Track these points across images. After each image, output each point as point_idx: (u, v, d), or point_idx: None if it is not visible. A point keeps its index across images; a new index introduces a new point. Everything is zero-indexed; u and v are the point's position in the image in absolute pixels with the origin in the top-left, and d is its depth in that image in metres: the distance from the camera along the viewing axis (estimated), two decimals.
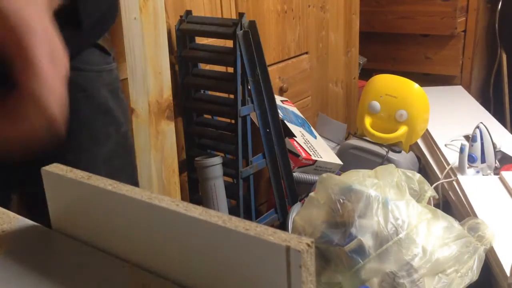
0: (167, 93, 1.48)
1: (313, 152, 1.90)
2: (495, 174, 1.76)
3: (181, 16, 1.65)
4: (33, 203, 0.76)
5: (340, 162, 1.98)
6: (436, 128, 2.12)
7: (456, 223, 1.34)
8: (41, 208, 0.53)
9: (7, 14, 0.40)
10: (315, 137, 2.07)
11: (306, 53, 2.27)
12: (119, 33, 1.56)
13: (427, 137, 2.12)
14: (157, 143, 1.61)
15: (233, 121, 1.66)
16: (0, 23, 0.39)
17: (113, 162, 0.82)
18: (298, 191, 1.85)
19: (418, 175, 1.44)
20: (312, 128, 2.13)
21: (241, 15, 1.56)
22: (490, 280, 1.38)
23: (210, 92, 1.74)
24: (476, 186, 1.67)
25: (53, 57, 0.42)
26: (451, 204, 1.74)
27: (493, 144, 1.76)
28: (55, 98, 0.43)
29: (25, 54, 0.40)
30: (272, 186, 1.76)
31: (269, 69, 1.72)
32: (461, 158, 1.76)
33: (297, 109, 2.14)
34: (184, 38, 1.66)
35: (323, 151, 1.99)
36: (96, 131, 0.81)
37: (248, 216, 1.71)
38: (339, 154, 2.08)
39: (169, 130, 1.59)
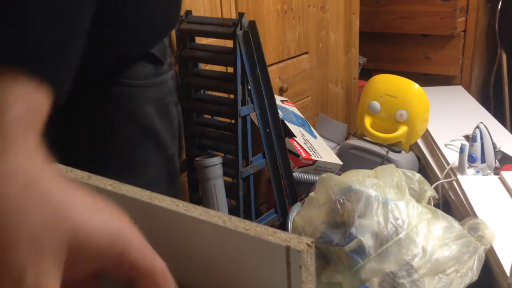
0: None
1: (313, 152, 1.90)
2: (495, 174, 1.76)
3: (181, 16, 1.66)
4: None
5: (340, 162, 1.98)
6: (436, 128, 2.12)
7: (456, 223, 1.34)
8: None
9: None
10: (315, 137, 2.07)
11: (306, 53, 2.27)
12: None
13: (427, 137, 2.12)
14: None
15: (233, 121, 1.66)
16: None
17: (154, 189, 0.69)
18: (298, 191, 1.85)
19: (418, 175, 1.44)
20: (312, 128, 2.13)
21: (241, 15, 1.56)
22: (490, 280, 1.38)
23: (210, 92, 1.74)
24: (476, 186, 1.67)
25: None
26: (451, 204, 1.74)
27: (493, 144, 1.76)
28: None
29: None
30: (272, 186, 1.76)
31: (269, 69, 1.72)
32: (461, 158, 1.76)
33: (297, 109, 2.14)
34: (184, 38, 1.66)
35: (323, 151, 1.99)
36: (137, 157, 0.70)
37: (248, 216, 1.71)
38: (339, 154, 2.08)
39: None
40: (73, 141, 0.65)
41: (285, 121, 1.89)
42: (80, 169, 0.39)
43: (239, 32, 1.55)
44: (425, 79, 2.77)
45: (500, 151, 1.85)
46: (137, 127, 0.68)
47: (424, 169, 2.07)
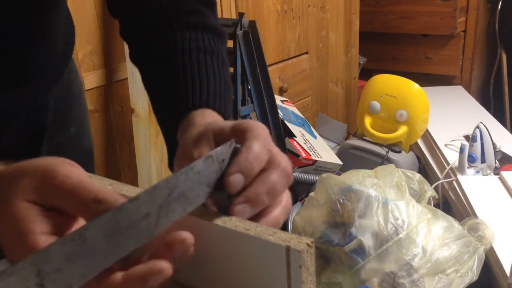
0: None
1: (313, 152, 1.90)
2: (495, 174, 1.76)
3: None
4: None
5: (340, 162, 1.98)
6: (436, 128, 2.12)
7: (456, 223, 1.34)
8: None
9: None
10: (315, 137, 2.07)
11: (306, 53, 2.27)
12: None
13: (427, 137, 2.12)
14: (157, 143, 1.61)
15: None
16: None
17: None
18: (298, 191, 1.85)
19: (418, 175, 1.44)
20: (312, 128, 2.13)
21: (241, 15, 1.56)
22: (490, 280, 1.38)
23: None
24: (476, 186, 1.67)
25: None
26: (451, 204, 1.74)
27: (493, 144, 1.76)
28: None
29: None
30: None
31: (269, 69, 1.72)
32: (461, 158, 1.76)
33: (297, 109, 2.14)
34: None
35: (323, 151, 1.99)
36: None
37: None
38: (339, 154, 2.08)
39: None
40: None
41: (285, 121, 1.89)
42: None
43: (239, 32, 1.55)
44: (425, 79, 2.77)
45: (500, 151, 1.85)
46: None
47: (424, 169, 2.06)
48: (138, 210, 0.36)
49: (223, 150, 0.43)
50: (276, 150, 0.45)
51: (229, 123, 0.47)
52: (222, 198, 0.42)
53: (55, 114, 0.77)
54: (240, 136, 0.44)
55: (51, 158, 0.41)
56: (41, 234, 0.38)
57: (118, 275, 0.37)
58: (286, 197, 0.45)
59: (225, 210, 0.42)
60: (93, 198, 0.38)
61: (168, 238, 0.38)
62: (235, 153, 0.43)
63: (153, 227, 0.37)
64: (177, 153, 0.51)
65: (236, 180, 0.41)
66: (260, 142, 0.43)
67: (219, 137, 0.46)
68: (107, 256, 0.35)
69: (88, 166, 0.71)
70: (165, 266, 0.36)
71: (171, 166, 0.56)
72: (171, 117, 0.56)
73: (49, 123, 0.76)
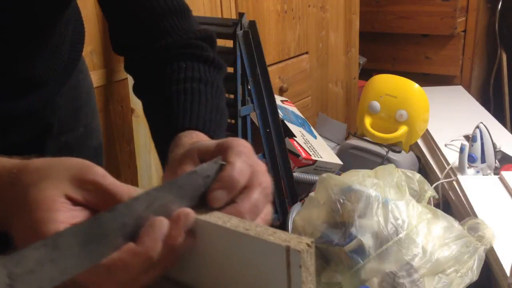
0: None
1: (313, 152, 1.90)
2: (495, 174, 1.76)
3: None
4: None
5: (340, 162, 1.98)
6: (436, 128, 2.12)
7: (456, 223, 1.34)
8: None
9: None
10: (315, 137, 2.07)
11: (306, 53, 2.27)
12: None
13: (427, 137, 2.12)
14: None
15: (233, 121, 1.66)
16: None
17: None
18: (298, 191, 1.85)
19: (418, 175, 1.44)
20: (312, 128, 2.13)
21: (241, 15, 1.56)
22: (490, 280, 1.38)
23: None
24: (476, 186, 1.67)
25: None
26: (451, 204, 1.74)
27: (493, 144, 1.76)
28: None
29: None
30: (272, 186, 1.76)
31: (269, 69, 1.72)
32: (461, 158, 1.76)
33: (297, 109, 2.14)
34: None
35: (323, 151, 1.99)
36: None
37: None
38: (339, 154, 2.08)
39: None
40: None
41: (285, 121, 1.89)
42: None
43: (239, 32, 1.55)
44: (425, 79, 2.77)
45: (500, 151, 1.85)
46: None
47: (424, 169, 2.06)
48: (114, 220, 0.38)
49: (208, 167, 0.44)
50: (258, 167, 0.46)
51: (214, 142, 0.48)
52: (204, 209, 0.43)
53: (63, 114, 0.79)
54: (223, 153, 0.46)
55: (85, 160, 0.43)
56: (63, 223, 0.39)
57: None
58: (265, 211, 0.46)
59: None
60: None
61: (173, 214, 0.40)
62: (220, 170, 0.44)
63: (129, 237, 0.39)
64: (164, 173, 0.53)
65: (218, 196, 0.43)
66: (242, 159, 0.45)
67: (204, 156, 0.47)
68: (81, 262, 0.36)
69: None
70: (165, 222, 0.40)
71: None
72: (163, 141, 0.58)
73: (57, 122, 0.78)
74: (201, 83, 0.63)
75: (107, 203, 0.40)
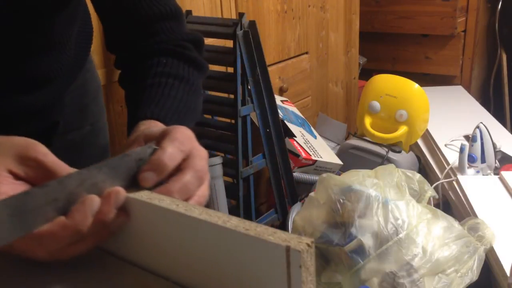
0: None
1: (313, 152, 1.90)
2: (495, 174, 1.76)
3: None
4: None
5: (340, 162, 1.98)
6: (436, 128, 2.12)
7: (456, 223, 1.34)
8: None
9: None
10: (315, 137, 2.07)
11: (306, 53, 2.27)
12: None
13: (427, 137, 2.12)
14: None
15: (233, 121, 1.66)
16: None
17: None
18: (298, 191, 1.85)
19: (418, 175, 1.44)
20: (312, 128, 2.13)
21: (241, 15, 1.56)
22: (490, 280, 1.38)
23: (210, 92, 1.74)
24: (476, 186, 1.67)
25: None
26: (451, 204, 1.74)
27: (493, 144, 1.76)
28: None
29: None
30: (272, 186, 1.76)
31: (269, 69, 1.72)
32: (461, 158, 1.76)
33: (297, 109, 2.14)
34: None
35: (323, 151, 1.99)
36: None
37: (248, 216, 1.71)
38: (339, 154, 2.08)
39: None
40: None
41: (285, 121, 1.89)
42: None
43: (239, 32, 1.55)
44: (425, 79, 2.77)
45: (500, 151, 1.85)
46: None
47: (424, 169, 2.06)
48: (46, 195, 0.42)
49: (141, 150, 0.48)
50: (196, 151, 0.50)
51: (160, 129, 0.52)
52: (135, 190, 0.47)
53: (70, 112, 0.81)
54: (161, 139, 0.49)
55: (30, 139, 0.47)
56: (3, 194, 0.42)
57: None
58: (198, 193, 0.50)
59: None
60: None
61: (105, 192, 0.44)
62: (152, 154, 0.48)
63: (61, 211, 0.43)
64: None
65: (147, 177, 0.47)
66: (174, 145, 0.48)
67: (149, 141, 0.51)
68: (13, 231, 0.40)
69: None
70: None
71: None
72: (129, 129, 0.61)
73: (63, 120, 0.80)
74: (176, 79, 0.66)
75: (47, 179, 0.44)
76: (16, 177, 0.45)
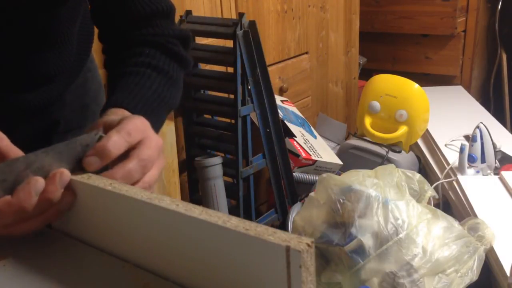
0: None
1: (313, 152, 1.90)
2: (495, 174, 1.76)
3: (181, 16, 1.65)
4: None
5: (340, 162, 1.98)
6: (436, 128, 2.12)
7: (456, 223, 1.34)
8: None
9: None
10: (315, 137, 2.07)
11: (306, 53, 2.27)
12: None
13: (427, 137, 2.12)
14: None
15: (233, 121, 1.66)
16: None
17: None
18: (298, 191, 1.85)
19: (418, 175, 1.44)
20: (312, 128, 2.13)
21: (241, 15, 1.56)
22: (490, 280, 1.38)
23: (210, 92, 1.74)
24: (476, 186, 1.67)
25: None
26: (451, 204, 1.74)
27: (493, 144, 1.76)
28: None
29: None
30: (272, 186, 1.76)
31: (269, 69, 1.72)
32: (461, 158, 1.76)
33: (297, 109, 2.14)
34: None
35: (323, 151, 1.99)
36: None
37: (248, 216, 1.71)
38: (339, 154, 2.08)
39: (169, 130, 1.59)
40: None
41: (285, 121, 1.89)
42: None
43: (239, 32, 1.55)
44: (425, 79, 2.77)
45: (500, 151, 1.85)
46: None
47: (424, 169, 2.06)
48: None
49: (88, 137, 0.51)
50: (144, 142, 0.53)
51: (118, 118, 0.55)
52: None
53: (70, 111, 0.81)
54: (111, 128, 0.52)
55: None
56: None
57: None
58: (144, 179, 0.52)
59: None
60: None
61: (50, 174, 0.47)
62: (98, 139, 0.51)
63: (8, 191, 0.46)
64: None
65: (90, 161, 0.50)
66: (120, 133, 0.51)
67: (107, 129, 0.53)
68: None
69: None
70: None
71: None
72: (100, 113, 0.63)
73: (63, 119, 0.80)
74: (154, 70, 0.67)
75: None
76: None
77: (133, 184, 0.51)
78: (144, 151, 0.52)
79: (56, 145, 0.49)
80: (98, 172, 0.50)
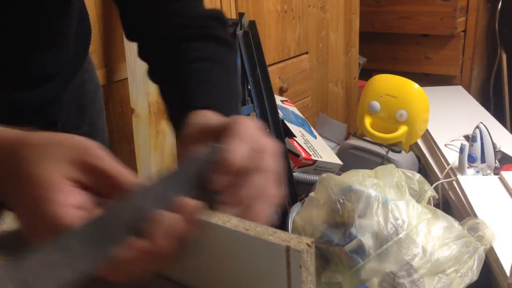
0: None
1: (313, 152, 1.90)
2: (495, 174, 1.76)
3: None
4: None
5: (340, 162, 1.98)
6: (436, 128, 2.12)
7: (456, 223, 1.33)
8: None
9: None
10: (315, 137, 2.07)
11: (306, 53, 2.27)
12: (119, 33, 1.56)
13: (427, 137, 2.12)
14: (157, 143, 1.61)
15: None
16: None
17: None
18: (298, 191, 1.85)
19: (418, 175, 1.44)
20: (312, 128, 2.13)
21: (241, 15, 1.56)
22: (490, 280, 1.38)
23: None
24: (476, 186, 1.67)
25: None
26: (451, 204, 1.74)
27: (493, 144, 1.75)
28: None
29: None
30: None
31: (269, 69, 1.72)
32: (461, 158, 1.76)
33: (297, 109, 2.14)
34: None
35: (323, 151, 1.99)
36: None
37: None
38: (339, 154, 2.08)
39: (169, 130, 1.59)
40: None
41: (285, 121, 1.89)
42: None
43: (239, 32, 1.55)
44: (425, 79, 2.77)
45: (500, 151, 1.85)
46: None
47: (424, 169, 2.06)
48: (120, 217, 0.39)
49: (205, 153, 0.45)
50: (267, 148, 0.47)
51: (218, 122, 0.50)
52: (206, 195, 0.43)
53: (68, 112, 0.80)
54: (224, 135, 0.46)
55: (87, 139, 0.44)
56: (69, 206, 0.39)
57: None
58: (271, 193, 0.48)
59: (210, 206, 0.43)
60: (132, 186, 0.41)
61: (182, 208, 0.40)
62: (217, 154, 0.45)
63: (133, 231, 0.39)
64: (176, 152, 0.55)
65: (217, 180, 0.43)
66: (243, 143, 0.45)
67: (208, 135, 0.49)
68: (91, 261, 0.37)
69: None
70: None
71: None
72: (177, 122, 0.58)
73: (60, 120, 0.79)
74: (212, 62, 0.63)
75: (107, 185, 0.41)
76: (74, 183, 0.41)
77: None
78: (270, 161, 0.47)
79: (176, 170, 0.43)
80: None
